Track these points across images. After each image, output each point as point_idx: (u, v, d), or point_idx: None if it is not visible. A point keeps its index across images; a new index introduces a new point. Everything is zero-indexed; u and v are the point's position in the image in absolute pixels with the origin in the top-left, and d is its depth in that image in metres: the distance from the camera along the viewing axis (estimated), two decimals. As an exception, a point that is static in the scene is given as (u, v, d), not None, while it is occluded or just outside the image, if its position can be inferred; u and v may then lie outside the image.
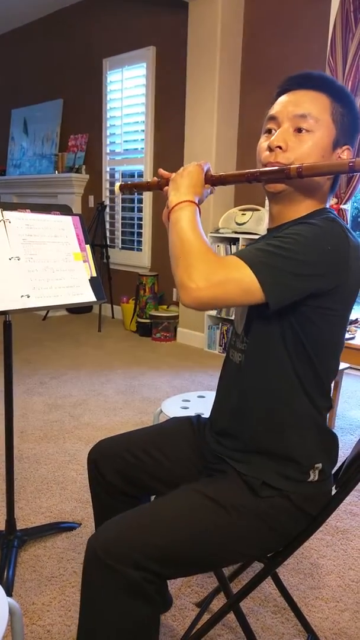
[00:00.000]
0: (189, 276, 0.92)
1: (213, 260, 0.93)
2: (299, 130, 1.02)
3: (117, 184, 1.28)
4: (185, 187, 1.06)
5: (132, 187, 1.30)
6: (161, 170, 1.17)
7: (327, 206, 1.09)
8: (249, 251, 0.95)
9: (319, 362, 1.03)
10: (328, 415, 1.11)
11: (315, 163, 0.98)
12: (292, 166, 0.97)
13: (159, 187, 1.17)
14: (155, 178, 1.19)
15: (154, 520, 0.98)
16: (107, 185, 5.28)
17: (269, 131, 1.06)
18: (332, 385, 1.12)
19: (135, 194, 5.07)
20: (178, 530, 0.97)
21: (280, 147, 1.02)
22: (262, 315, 1.02)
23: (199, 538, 0.98)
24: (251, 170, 1.04)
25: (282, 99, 1.06)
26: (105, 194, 5.28)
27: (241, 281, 0.91)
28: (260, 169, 1.03)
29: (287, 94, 1.06)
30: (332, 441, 1.10)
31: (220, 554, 1.06)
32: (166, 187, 1.12)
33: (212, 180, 1.10)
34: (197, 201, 1.05)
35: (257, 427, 1.06)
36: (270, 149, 1.04)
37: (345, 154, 1.05)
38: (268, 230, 1.15)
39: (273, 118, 1.06)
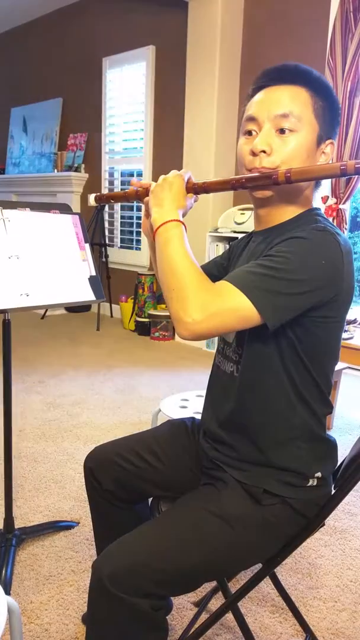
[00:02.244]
0: (184, 310, 0.88)
1: (207, 290, 0.90)
2: (281, 130, 0.97)
3: (92, 195, 1.22)
4: (168, 202, 1.00)
5: (109, 198, 1.22)
6: (135, 181, 1.11)
7: (314, 205, 1.06)
8: (241, 276, 0.91)
9: (318, 368, 1.01)
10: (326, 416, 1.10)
11: (305, 167, 0.93)
12: (280, 171, 0.92)
13: (137, 198, 1.11)
14: (133, 188, 1.12)
15: (160, 545, 0.96)
16: (107, 185, 5.27)
17: (249, 132, 1.01)
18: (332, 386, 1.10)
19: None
20: (186, 553, 0.96)
21: (264, 151, 0.97)
22: (256, 327, 0.96)
23: (206, 559, 0.97)
24: (236, 176, 0.98)
25: (260, 97, 1.00)
26: (105, 192, 5.27)
27: (238, 309, 0.88)
28: (246, 175, 0.98)
29: (264, 90, 1.00)
30: (331, 449, 1.09)
31: (226, 568, 1.07)
32: (146, 198, 1.06)
33: (195, 189, 1.04)
34: (181, 215, 1.00)
35: (254, 441, 1.04)
36: (253, 153, 0.98)
37: (329, 149, 1.02)
38: (255, 232, 1.11)
39: (252, 119, 1.00)
